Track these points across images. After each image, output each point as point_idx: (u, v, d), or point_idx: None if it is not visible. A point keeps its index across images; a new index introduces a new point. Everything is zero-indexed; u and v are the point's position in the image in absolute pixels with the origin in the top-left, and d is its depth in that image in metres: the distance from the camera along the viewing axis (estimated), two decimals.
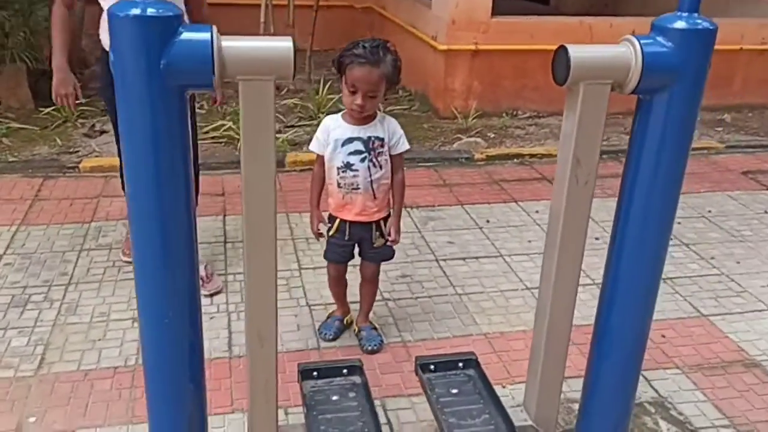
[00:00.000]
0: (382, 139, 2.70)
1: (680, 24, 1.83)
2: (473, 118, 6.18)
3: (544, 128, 6.17)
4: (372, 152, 2.69)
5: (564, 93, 1.95)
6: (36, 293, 3.35)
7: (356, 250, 2.96)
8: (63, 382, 2.76)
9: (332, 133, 2.71)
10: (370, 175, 2.70)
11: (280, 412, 2.61)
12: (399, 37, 7.59)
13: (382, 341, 3.01)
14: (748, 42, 6.80)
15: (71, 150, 5.28)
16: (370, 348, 2.96)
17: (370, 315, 3.12)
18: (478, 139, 5.76)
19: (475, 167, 5.17)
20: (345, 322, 3.12)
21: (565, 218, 2.00)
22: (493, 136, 5.97)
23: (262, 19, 6.47)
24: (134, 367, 2.85)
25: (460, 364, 2.47)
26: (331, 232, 2.88)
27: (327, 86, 6.18)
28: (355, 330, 3.08)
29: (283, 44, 1.65)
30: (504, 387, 2.79)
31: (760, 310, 3.42)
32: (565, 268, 2.09)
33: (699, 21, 1.83)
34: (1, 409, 2.60)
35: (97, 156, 5.16)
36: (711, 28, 1.83)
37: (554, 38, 6.19)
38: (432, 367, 2.43)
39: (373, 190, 2.74)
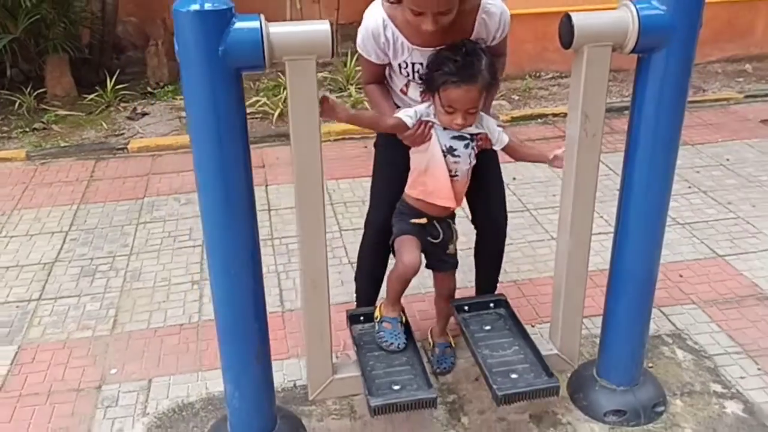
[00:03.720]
0: (483, 133, 2.43)
1: None
2: None
3: (567, 88, 6.33)
4: (474, 140, 2.42)
5: None
6: (102, 264, 3.69)
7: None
8: (136, 339, 3.10)
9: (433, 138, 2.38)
10: (470, 162, 2.44)
11: None
12: None
13: (453, 362, 2.83)
14: None
15: (117, 132, 5.62)
16: (440, 370, 2.79)
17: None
18: (503, 102, 5.96)
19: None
20: (402, 321, 2.68)
21: (577, 169, 2.25)
22: (517, 98, 6.17)
23: None
24: (197, 324, 3.18)
25: (492, 305, 2.74)
26: (414, 221, 2.51)
27: (355, 58, 6.41)
28: (429, 344, 2.88)
29: (322, 27, 1.91)
30: (533, 326, 3.06)
31: None
32: (580, 213, 2.34)
33: None
34: (86, 363, 2.95)
35: (141, 137, 5.48)
36: None
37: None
38: (466, 307, 2.70)
39: (468, 178, 2.50)
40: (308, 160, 2.06)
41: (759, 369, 2.80)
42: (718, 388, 2.71)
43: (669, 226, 3.84)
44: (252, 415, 2.37)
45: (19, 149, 5.19)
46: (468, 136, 2.39)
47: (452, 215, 2.59)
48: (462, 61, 2.22)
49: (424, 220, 2.49)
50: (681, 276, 3.42)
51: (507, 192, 4.28)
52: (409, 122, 2.33)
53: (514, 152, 2.54)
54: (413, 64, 2.38)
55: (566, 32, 2.09)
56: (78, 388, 2.81)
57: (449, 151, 2.38)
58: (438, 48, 2.31)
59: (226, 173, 2.01)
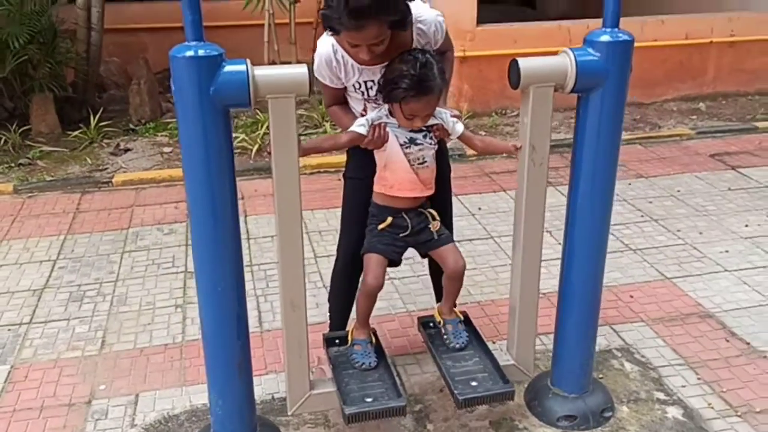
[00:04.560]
0: (438, 123, 2.60)
1: (605, 38, 2.36)
2: (465, 119, 6.69)
3: None
4: (431, 131, 2.60)
5: None
6: (90, 289, 3.89)
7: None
8: (123, 358, 3.30)
9: (389, 136, 2.57)
10: (434, 147, 2.62)
11: None
12: None
13: (468, 337, 2.86)
14: (717, 35, 7.29)
15: (101, 167, 5.83)
16: (458, 345, 2.82)
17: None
18: None
19: (467, 162, 5.69)
20: (372, 342, 2.86)
21: (527, 194, 2.53)
22: (484, 133, 6.49)
23: (266, 38, 7.00)
24: (181, 344, 3.39)
25: None
26: (381, 226, 2.68)
27: None
28: (439, 322, 2.93)
29: (300, 70, 2.18)
30: (494, 342, 3.30)
31: (717, 272, 3.94)
32: (530, 236, 2.61)
33: (620, 34, 2.36)
34: (76, 381, 3.14)
35: (124, 171, 5.70)
36: (629, 39, 2.36)
37: (535, 43, 6.77)
38: (431, 324, 2.95)
39: (435, 163, 2.66)
40: (288, 185, 2.31)
41: (699, 378, 3.07)
42: (661, 395, 2.97)
43: (622, 251, 4.18)
44: (234, 422, 2.58)
45: (6, 183, 5.38)
46: (424, 128, 2.57)
47: (423, 204, 2.70)
48: (418, 76, 2.40)
49: (389, 221, 2.65)
50: (632, 297, 3.70)
51: (473, 221, 4.61)
52: (363, 131, 2.53)
53: (470, 142, 2.72)
54: (365, 83, 2.60)
55: (514, 75, 2.38)
56: (69, 403, 3.00)
57: (412, 142, 2.56)
58: (385, 65, 2.51)
59: (215, 198, 2.25)
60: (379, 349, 2.86)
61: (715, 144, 6.06)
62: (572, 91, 2.39)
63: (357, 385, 2.70)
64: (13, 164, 5.86)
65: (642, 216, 4.66)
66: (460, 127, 2.63)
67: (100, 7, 6.75)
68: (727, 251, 4.17)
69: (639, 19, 7.22)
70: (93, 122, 6.40)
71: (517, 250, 2.71)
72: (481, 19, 6.76)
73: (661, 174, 5.37)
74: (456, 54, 6.51)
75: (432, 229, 2.71)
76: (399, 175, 2.60)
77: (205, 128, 2.15)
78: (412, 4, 2.46)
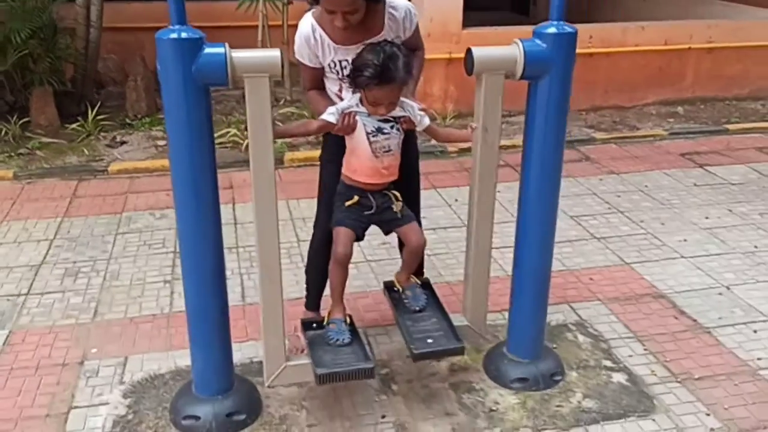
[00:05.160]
0: (406, 116, 2.80)
1: (551, 30, 2.62)
2: (450, 119, 6.95)
3: (514, 125, 6.92)
4: (398, 122, 2.79)
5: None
6: (84, 266, 4.14)
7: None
8: (114, 326, 3.55)
9: (358, 124, 2.75)
10: (400, 137, 2.81)
11: None
12: None
13: (427, 298, 3.12)
14: (696, 42, 7.56)
15: (97, 158, 6.08)
16: (418, 307, 3.06)
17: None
18: None
19: (448, 159, 5.94)
20: (347, 321, 3.02)
21: (479, 171, 2.79)
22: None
23: (259, 38, 7.27)
24: (169, 314, 3.63)
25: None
26: (348, 203, 2.87)
27: None
28: (399, 289, 3.16)
29: (273, 53, 2.44)
30: None
31: (673, 258, 4.20)
32: (482, 206, 2.88)
33: (565, 27, 2.62)
34: (70, 345, 3.39)
35: (120, 161, 5.95)
36: (573, 31, 2.62)
37: None
38: (395, 288, 3.18)
39: (400, 152, 2.85)
40: (263, 158, 2.55)
41: (645, 350, 3.32)
42: (608, 363, 3.22)
43: (586, 240, 4.44)
44: (212, 376, 2.83)
45: (6, 170, 5.62)
46: (392, 119, 2.77)
47: (387, 186, 2.91)
48: (381, 66, 2.60)
49: (355, 199, 2.85)
50: (591, 279, 3.95)
51: (449, 211, 4.86)
52: (333, 119, 2.73)
53: (435, 134, 3.00)
54: (340, 62, 2.82)
55: (469, 62, 2.64)
56: (63, 363, 3.24)
57: (379, 131, 2.75)
58: (359, 45, 2.75)
59: (195, 165, 2.51)
60: (353, 329, 3.00)
61: (687, 144, 6.32)
62: (521, 77, 2.64)
63: (330, 357, 2.84)
64: (13, 154, 6.09)
65: (609, 208, 4.92)
66: (426, 120, 2.85)
67: (100, 5, 7.00)
68: (685, 240, 4.42)
69: (620, 25, 7.49)
70: (91, 116, 6.63)
71: (471, 223, 2.95)
72: (475, 26, 7.03)
73: (632, 171, 5.63)
74: (442, 56, 6.88)
75: (395, 209, 2.91)
76: (362, 162, 2.80)
77: (188, 103, 2.41)
78: None
